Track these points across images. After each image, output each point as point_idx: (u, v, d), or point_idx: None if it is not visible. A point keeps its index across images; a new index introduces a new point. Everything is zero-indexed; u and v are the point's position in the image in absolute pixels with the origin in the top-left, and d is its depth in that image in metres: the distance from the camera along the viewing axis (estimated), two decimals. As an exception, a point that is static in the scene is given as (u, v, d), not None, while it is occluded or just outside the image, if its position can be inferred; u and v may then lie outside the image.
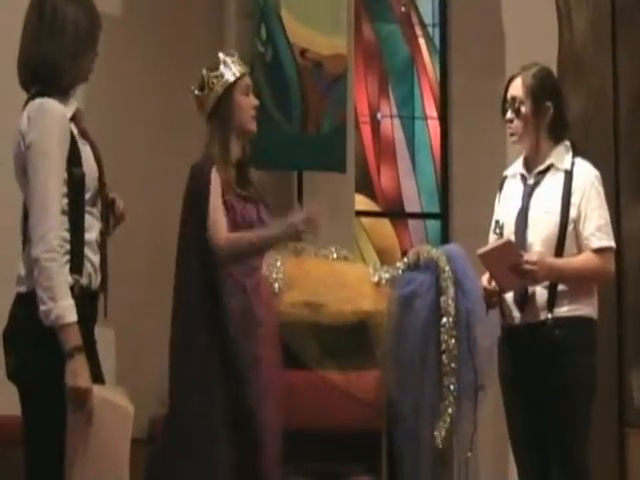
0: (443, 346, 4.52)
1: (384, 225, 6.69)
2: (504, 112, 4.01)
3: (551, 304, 3.83)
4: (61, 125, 2.92)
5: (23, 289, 2.91)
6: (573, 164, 3.95)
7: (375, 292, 4.76)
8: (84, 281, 2.93)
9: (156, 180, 5.49)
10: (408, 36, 6.86)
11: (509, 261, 3.78)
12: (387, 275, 4.76)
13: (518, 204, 3.97)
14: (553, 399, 3.81)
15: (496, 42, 6.65)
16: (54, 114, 2.92)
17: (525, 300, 3.86)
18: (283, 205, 5.70)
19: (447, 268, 4.60)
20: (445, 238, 6.58)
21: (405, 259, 4.86)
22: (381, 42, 6.83)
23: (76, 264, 2.90)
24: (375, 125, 6.72)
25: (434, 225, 6.76)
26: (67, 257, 2.89)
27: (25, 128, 2.92)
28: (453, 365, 4.50)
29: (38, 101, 2.94)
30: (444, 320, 4.53)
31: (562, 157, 3.97)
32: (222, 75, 3.66)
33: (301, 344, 4.56)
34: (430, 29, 6.88)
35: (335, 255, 4.89)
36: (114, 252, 3.15)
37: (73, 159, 2.94)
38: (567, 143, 4.01)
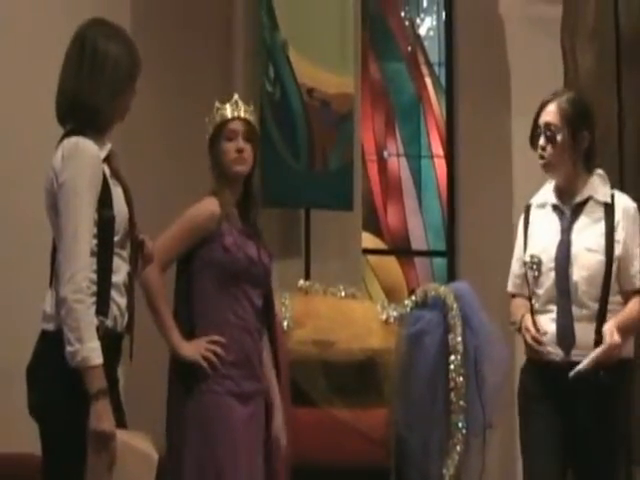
0: (451, 384, 4.51)
1: (391, 263, 6.71)
2: (534, 140, 3.82)
3: (597, 344, 3.64)
4: (94, 166, 2.91)
5: (50, 327, 2.89)
6: (612, 196, 3.78)
7: (383, 330, 4.76)
8: (109, 323, 2.91)
9: (163, 210, 5.50)
10: (414, 75, 6.92)
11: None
12: (395, 313, 4.77)
13: (556, 238, 3.76)
14: (592, 444, 3.66)
15: (502, 81, 6.70)
16: (88, 154, 2.91)
17: (573, 340, 3.68)
18: (290, 243, 5.74)
19: (455, 306, 4.61)
20: (451, 275, 6.60)
21: (413, 297, 4.87)
22: (387, 81, 6.88)
23: (102, 306, 2.88)
24: (382, 163, 6.76)
25: (440, 263, 6.78)
26: (94, 298, 2.86)
27: (59, 166, 2.90)
28: (461, 403, 4.49)
29: (74, 140, 2.92)
30: (452, 358, 4.53)
31: (600, 189, 3.79)
32: (213, 118, 3.76)
33: (310, 382, 4.56)
34: (436, 68, 6.94)
35: (343, 293, 4.90)
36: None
37: (104, 200, 2.92)
38: (601, 172, 3.85)
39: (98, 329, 2.84)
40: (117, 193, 2.98)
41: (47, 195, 2.95)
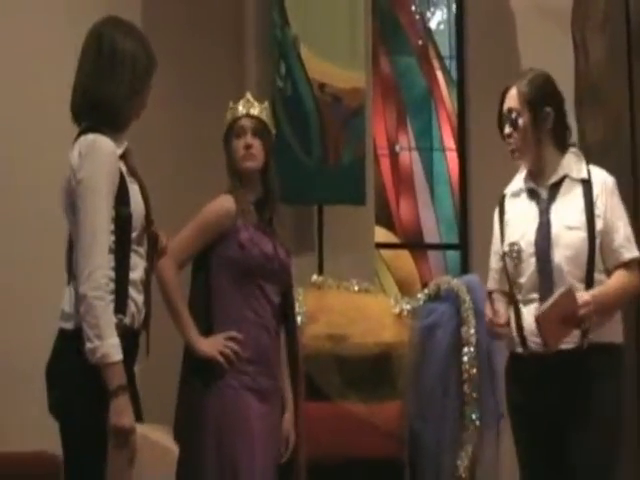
0: (464, 376, 4.53)
1: (404, 257, 6.72)
2: (501, 128, 3.72)
3: (585, 329, 3.49)
4: (111, 163, 2.91)
5: (69, 325, 2.91)
6: (589, 172, 3.65)
7: (397, 323, 4.78)
8: (127, 320, 2.92)
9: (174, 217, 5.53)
10: (425, 69, 6.92)
11: (564, 312, 3.42)
12: (408, 306, 4.78)
13: (534, 222, 3.62)
14: (584, 430, 3.51)
15: (512, 73, 6.67)
16: (105, 152, 2.91)
17: None
18: (303, 238, 5.75)
19: (467, 298, 4.62)
20: (464, 269, 6.60)
21: (426, 290, 4.88)
22: (399, 75, 6.89)
23: (120, 303, 2.89)
24: (394, 157, 6.77)
25: (453, 256, 6.79)
26: (112, 296, 2.88)
27: (76, 164, 2.91)
28: (475, 395, 4.50)
29: (91, 137, 2.92)
30: (465, 350, 4.55)
31: (575, 166, 3.66)
32: (226, 118, 3.84)
33: (324, 376, 4.58)
34: (447, 62, 6.94)
35: (356, 287, 4.92)
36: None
37: (121, 198, 2.93)
38: (575, 150, 3.72)
39: (117, 327, 2.85)
40: (134, 190, 2.99)
41: (65, 193, 2.96)
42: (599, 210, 3.57)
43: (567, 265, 3.54)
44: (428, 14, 7.04)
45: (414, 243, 6.76)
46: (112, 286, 2.89)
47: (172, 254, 3.55)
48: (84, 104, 2.99)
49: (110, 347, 2.79)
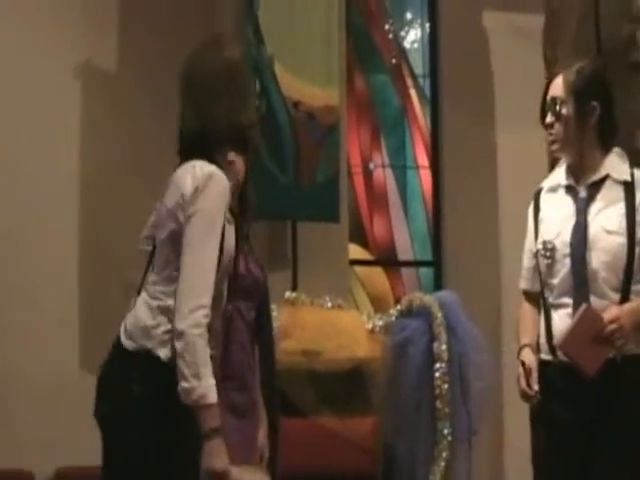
0: (437, 391, 4.55)
1: (377, 273, 6.75)
2: (543, 117, 3.47)
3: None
4: (226, 200, 2.80)
5: (133, 346, 2.79)
6: (632, 175, 3.42)
7: (370, 339, 4.81)
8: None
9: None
10: (399, 87, 6.96)
11: (591, 333, 3.23)
12: (381, 322, 4.82)
13: (570, 221, 3.40)
14: (613, 446, 3.33)
15: (486, 92, 6.76)
16: (223, 187, 2.79)
17: None
18: (278, 254, 5.77)
19: (439, 314, 4.65)
20: (438, 285, 6.63)
21: (398, 306, 4.92)
22: (373, 93, 6.93)
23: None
24: (368, 175, 6.80)
25: (427, 273, 6.82)
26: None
27: (190, 193, 2.76)
28: (447, 410, 4.53)
29: (208, 169, 2.79)
30: (437, 365, 4.58)
31: (618, 167, 3.44)
32: None
33: (298, 392, 4.60)
34: (421, 80, 6.98)
35: (330, 304, 4.95)
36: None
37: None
38: (619, 150, 3.49)
39: (174, 360, 2.71)
40: (229, 230, 2.87)
41: (165, 216, 2.83)
42: None
43: (604, 271, 3.34)
44: (402, 33, 7.09)
45: (388, 260, 6.79)
46: None
47: None
48: (212, 137, 2.88)
49: (207, 388, 2.68)
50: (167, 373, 2.72)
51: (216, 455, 2.70)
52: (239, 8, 5.92)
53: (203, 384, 2.68)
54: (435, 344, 4.60)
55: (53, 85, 5.72)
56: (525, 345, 3.51)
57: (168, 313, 2.75)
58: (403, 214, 6.83)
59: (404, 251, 6.80)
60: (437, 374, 4.56)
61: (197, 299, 2.70)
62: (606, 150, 3.47)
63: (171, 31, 5.99)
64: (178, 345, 2.69)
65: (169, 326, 2.75)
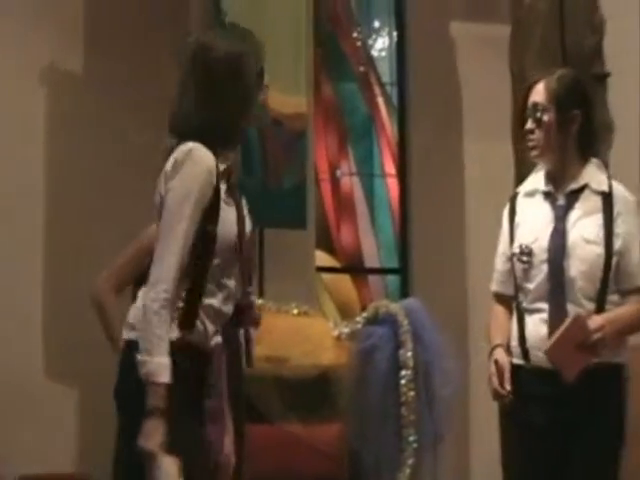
0: (403, 398, 4.55)
1: (344, 281, 6.75)
2: (523, 122, 3.49)
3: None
4: (207, 176, 2.71)
5: (136, 335, 2.74)
6: (611, 186, 3.45)
7: (336, 346, 4.80)
8: (194, 338, 2.75)
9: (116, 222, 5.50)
10: (367, 95, 6.98)
11: (575, 340, 3.29)
12: (347, 329, 4.81)
13: (549, 227, 3.44)
14: (587, 449, 3.39)
15: (453, 101, 6.78)
16: (202, 163, 2.72)
17: None
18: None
19: (405, 322, 4.65)
20: (405, 293, 6.65)
21: (364, 314, 4.92)
22: (341, 101, 6.94)
23: (187, 321, 2.72)
24: (335, 182, 6.81)
25: (393, 280, 6.83)
26: (174, 314, 2.70)
27: (169, 171, 2.74)
28: (412, 417, 4.53)
29: (189, 145, 2.74)
30: (403, 372, 4.58)
31: (597, 177, 3.47)
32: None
33: (263, 398, 4.59)
34: (388, 88, 7.00)
35: (296, 311, 4.94)
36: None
37: (210, 216, 2.73)
38: (597, 161, 3.53)
39: (179, 342, 2.70)
40: (228, 212, 2.80)
41: (156, 202, 2.78)
42: (619, 228, 3.41)
43: (581, 280, 3.38)
44: (370, 41, 7.11)
45: (354, 267, 6.80)
46: (180, 304, 2.71)
47: (110, 278, 3.56)
48: (201, 127, 2.79)
49: (157, 365, 2.63)
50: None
51: (151, 435, 2.63)
52: (208, 14, 5.91)
53: (155, 360, 2.63)
54: (401, 351, 4.60)
55: (18, 87, 5.67)
56: (497, 345, 3.54)
57: None
58: (370, 222, 6.85)
59: (371, 258, 6.82)
60: (403, 381, 4.56)
61: (159, 273, 2.65)
62: (585, 159, 3.50)
63: (138, 33, 5.96)
64: (140, 317, 2.68)
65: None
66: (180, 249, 2.67)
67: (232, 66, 2.80)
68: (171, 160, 2.75)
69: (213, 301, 2.78)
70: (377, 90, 6.99)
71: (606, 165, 3.77)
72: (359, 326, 4.83)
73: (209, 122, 2.77)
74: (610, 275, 3.39)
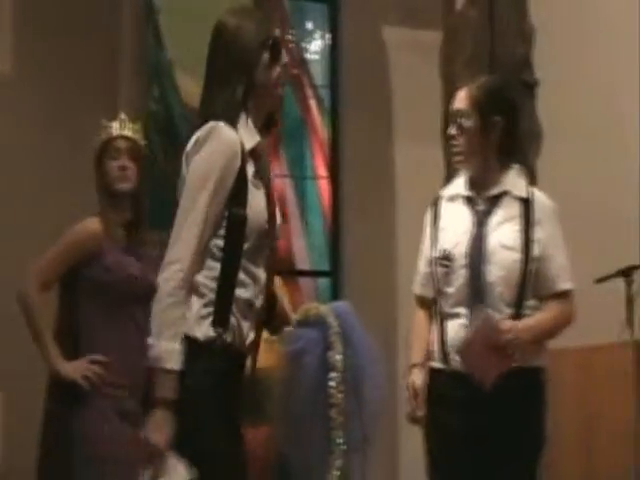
0: (332, 400, 4.56)
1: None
2: (446, 128, 3.53)
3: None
4: (230, 155, 2.56)
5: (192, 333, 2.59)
6: (531, 193, 3.46)
7: (265, 349, 4.80)
8: (228, 337, 2.62)
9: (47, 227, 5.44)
10: (299, 97, 7.00)
11: (488, 341, 3.27)
12: (277, 331, 4.81)
13: (467, 232, 3.44)
14: (512, 454, 3.37)
15: (385, 104, 6.83)
16: (225, 141, 2.57)
17: None
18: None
19: (335, 324, 4.64)
20: (336, 296, 6.67)
21: (295, 316, 4.92)
22: (273, 103, 6.93)
23: (220, 318, 2.57)
24: (267, 184, 6.80)
25: (324, 283, 6.86)
26: (209, 308, 2.55)
27: (191, 150, 2.60)
28: (341, 419, 4.54)
29: (211, 124, 2.58)
30: (332, 375, 4.58)
31: (517, 183, 3.47)
32: (99, 136, 3.77)
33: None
34: (321, 90, 7.02)
35: (226, 312, 4.93)
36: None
37: (237, 198, 2.58)
38: (518, 167, 3.52)
39: (215, 341, 2.56)
40: (257, 195, 2.63)
41: (180, 183, 2.65)
42: (537, 234, 3.42)
43: (499, 285, 3.38)
44: (303, 44, 7.12)
45: (286, 270, 6.81)
46: (211, 297, 2.55)
47: (36, 275, 3.53)
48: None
49: (163, 352, 2.45)
50: (203, 354, 2.55)
51: (156, 428, 2.48)
52: (140, 12, 5.88)
53: (162, 345, 2.46)
54: (330, 353, 4.61)
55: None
56: (414, 365, 3.56)
57: (197, 289, 2.56)
58: (301, 224, 6.86)
59: (302, 261, 6.83)
60: (332, 383, 4.55)
61: (175, 252, 2.50)
62: (507, 165, 3.50)
63: (68, 34, 5.92)
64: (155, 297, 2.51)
65: (202, 300, 2.56)
66: (199, 228, 2.52)
67: (228, 38, 2.71)
68: (193, 139, 2.61)
69: (246, 294, 2.65)
70: (309, 92, 7.01)
71: (533, 172, 3.82)
72: (289, 328, 4.83)
73: (217, 100, 2.65)
74: (528, 281, 3.40)
